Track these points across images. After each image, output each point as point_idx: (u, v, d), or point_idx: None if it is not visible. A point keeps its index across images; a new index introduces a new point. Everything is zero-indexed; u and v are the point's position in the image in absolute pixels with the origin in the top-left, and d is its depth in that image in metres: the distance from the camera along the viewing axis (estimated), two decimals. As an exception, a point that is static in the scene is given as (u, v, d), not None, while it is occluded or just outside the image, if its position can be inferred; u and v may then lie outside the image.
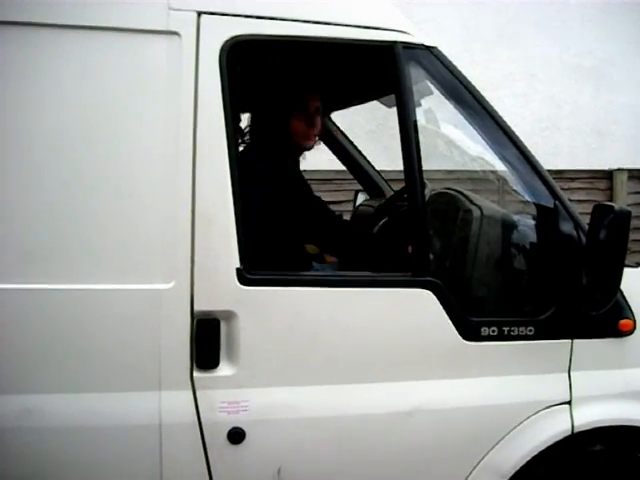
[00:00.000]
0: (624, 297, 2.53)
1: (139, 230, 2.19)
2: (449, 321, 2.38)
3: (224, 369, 2.26)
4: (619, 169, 7.83)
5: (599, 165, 7.97)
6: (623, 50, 8.13)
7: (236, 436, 2.26)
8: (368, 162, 3.99)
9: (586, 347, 2.52)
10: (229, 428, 2.26)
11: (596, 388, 2.54)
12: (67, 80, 2.15)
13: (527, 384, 2.48)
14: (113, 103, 2.17)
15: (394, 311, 2.36)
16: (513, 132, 2.49)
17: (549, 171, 2.55)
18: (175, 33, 2.19)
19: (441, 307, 2.36)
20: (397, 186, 3.62)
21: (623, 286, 2.42)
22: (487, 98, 2.49)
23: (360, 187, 4.29)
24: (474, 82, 2.48)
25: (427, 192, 2.58)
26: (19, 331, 2.14)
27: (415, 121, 2.35)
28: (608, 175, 7.86)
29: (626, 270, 2.39)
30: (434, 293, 2.36)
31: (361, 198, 4.28)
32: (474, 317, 2.42)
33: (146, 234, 2.20)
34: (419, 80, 2.46)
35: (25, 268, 2.14)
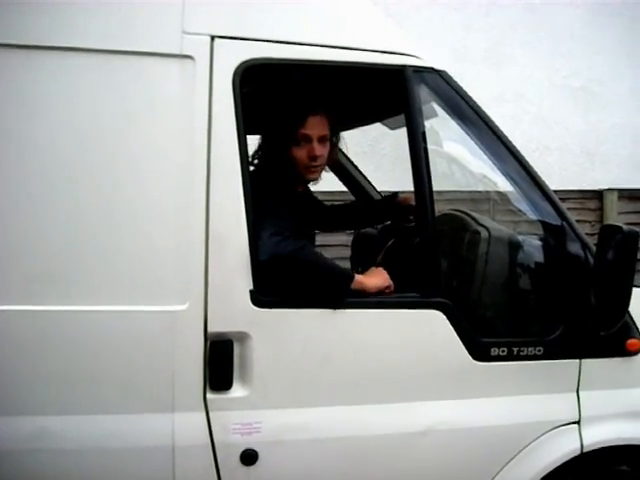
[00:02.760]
0: (631, 317, 2.55)
1: (153, 252, 2.20)
2: (459, 341, 2.40)
3: (237, 390, 2.26)
4: (609, 189, 7.89)
5: (589, 185, 8.02)
6: (612, 70, 8.21)
7: (249, 457, 2.26)
8: (369, 183, 3.99)
9: (594, 367, 2.54)
10: (242, 449, 2.26)
11: (605, 407, 2.56)
12: (83, 102, 2.16)
13: (536, 404, 2.50)
14: (127, 125, 2.19)
15: (406, 332, 2.38)
16: (522, 155, 2.52)
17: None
18: (189, 57, 2.20)
19: (451, 328, 2.38)
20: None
21: (631, 306, 2.44)
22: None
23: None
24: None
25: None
26: (33, 353, 2.14)
27: (425, 143, 2.38)
28: (598, 195, 7.91)
29: (634, 290, 2.42)
30: (444, 314, 2.37)
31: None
32: (484, 337, 2.44)
33: (160, 256, 2.20)
34: (429, 103, 2.49)
35: (38, 290, 2.14)
